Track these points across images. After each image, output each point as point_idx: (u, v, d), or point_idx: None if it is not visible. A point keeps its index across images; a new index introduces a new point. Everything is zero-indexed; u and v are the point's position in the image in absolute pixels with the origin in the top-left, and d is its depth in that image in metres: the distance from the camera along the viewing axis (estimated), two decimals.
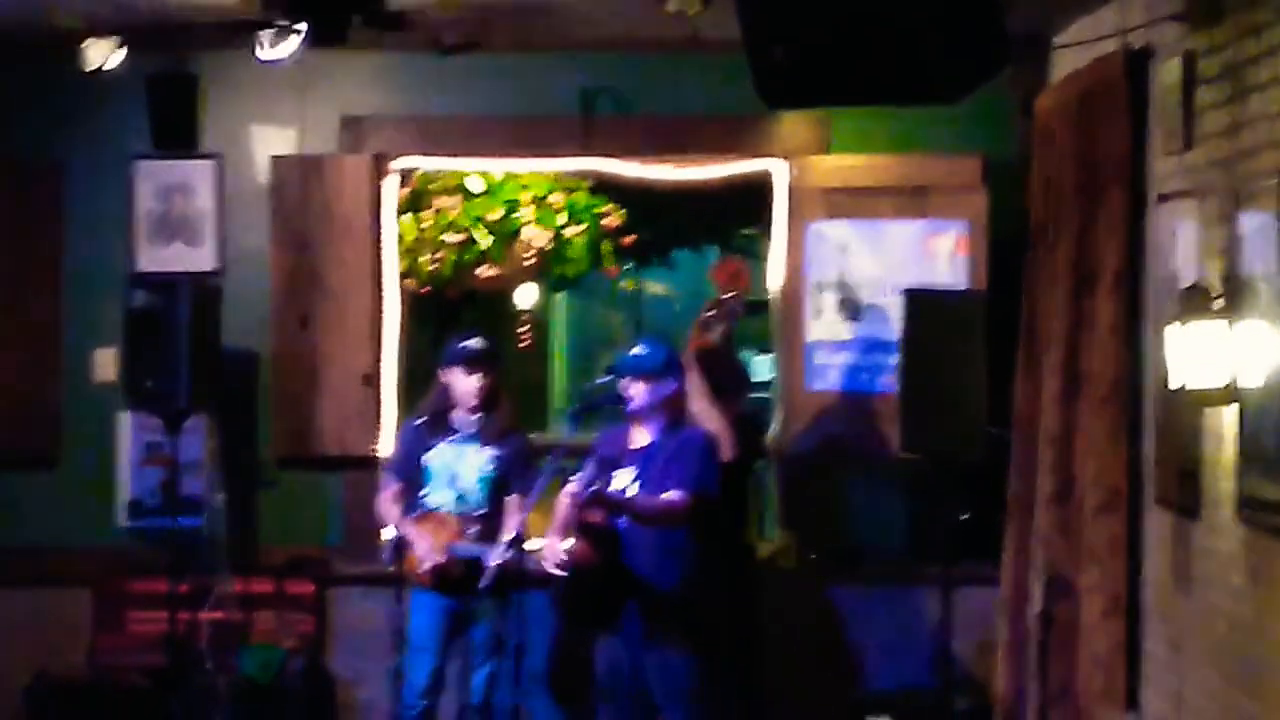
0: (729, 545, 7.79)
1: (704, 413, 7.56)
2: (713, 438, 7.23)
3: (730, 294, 8.08)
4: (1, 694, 8.41)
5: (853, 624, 8.50)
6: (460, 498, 7.67)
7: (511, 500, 7.64)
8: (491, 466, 7.70)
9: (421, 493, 7.73)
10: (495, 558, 7.17)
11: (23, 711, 8.33)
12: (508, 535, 7.24)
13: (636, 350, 7.14)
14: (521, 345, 14.84)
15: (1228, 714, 5.76)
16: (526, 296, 14.41)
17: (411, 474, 7.75)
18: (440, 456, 7.71)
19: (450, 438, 7.72)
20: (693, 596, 7.00)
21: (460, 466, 7.69)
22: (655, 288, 18.60)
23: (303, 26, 7.40)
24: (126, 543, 8.66)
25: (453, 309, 12.07)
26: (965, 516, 7.60)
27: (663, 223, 14.06)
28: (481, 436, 7.71)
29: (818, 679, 8.35)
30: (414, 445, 7.77)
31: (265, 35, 7.68)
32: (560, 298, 18.59)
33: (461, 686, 7.83)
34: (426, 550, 7.57)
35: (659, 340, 7.32)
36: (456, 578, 7.52)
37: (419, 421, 7.81)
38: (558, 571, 6.99)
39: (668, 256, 16.38)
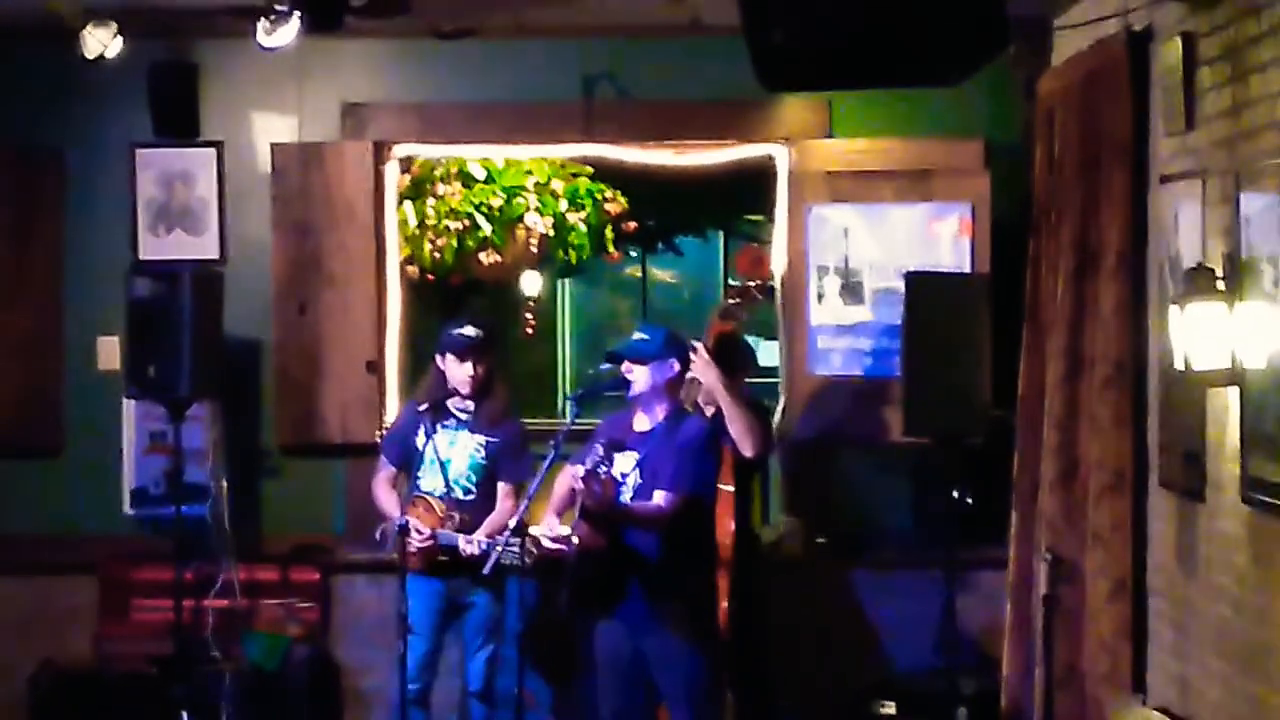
0: (739, 534, 7.78)
1: (728, 409, 7.54)
2: (713, 433, 7.20)
3: (754, 281, 8.08)
4: (7, 682, 8.42)
5: (859, 608, 8.49)
6: (450, 483, 7.67)
7: (502, 487, 7.65)
8: (483, 453, 7.71)
9: (417, 476, 7.73)
10: (470, 548, 7.23)
11: (28, 700, 8.35)
12: (510, 522, 7.23)
13: (636, 335, 7.13)
14: (527, 331, 14.88)
15: (1233, 696, 5.75)
16: (531, 283, 14.43)
17: (405, 457, 7.75)
18: (434, 442, 7.70)
19: (445, 423, 7.72)
20: (696, 579, 6.98)
21: (452, 452, 7.70)
22: (662, 274, 18.64)
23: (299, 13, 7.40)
24: (131, 531, 8.67)
25: (457, 295, 12.09)
26: (965, 498, 7.56)
27: (668, 210, 14.09)
28: (474, 423, 7.72)
29: (824, 664, 8.34)
30: (410, 428, 7.76)
31: (264, 22, 7.68)
32: (566, 284, 18.64)
33: (461, 673, 7.84)
34: (412, 530, 7.58)
35: (657, 325, 7.30)
36: (440, 562, 7.51)
37: (425, 407, 7.80)
38: (554, 545, 6.98)
39: (674, 243, 16.43)
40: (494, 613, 7.68)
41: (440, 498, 7.66)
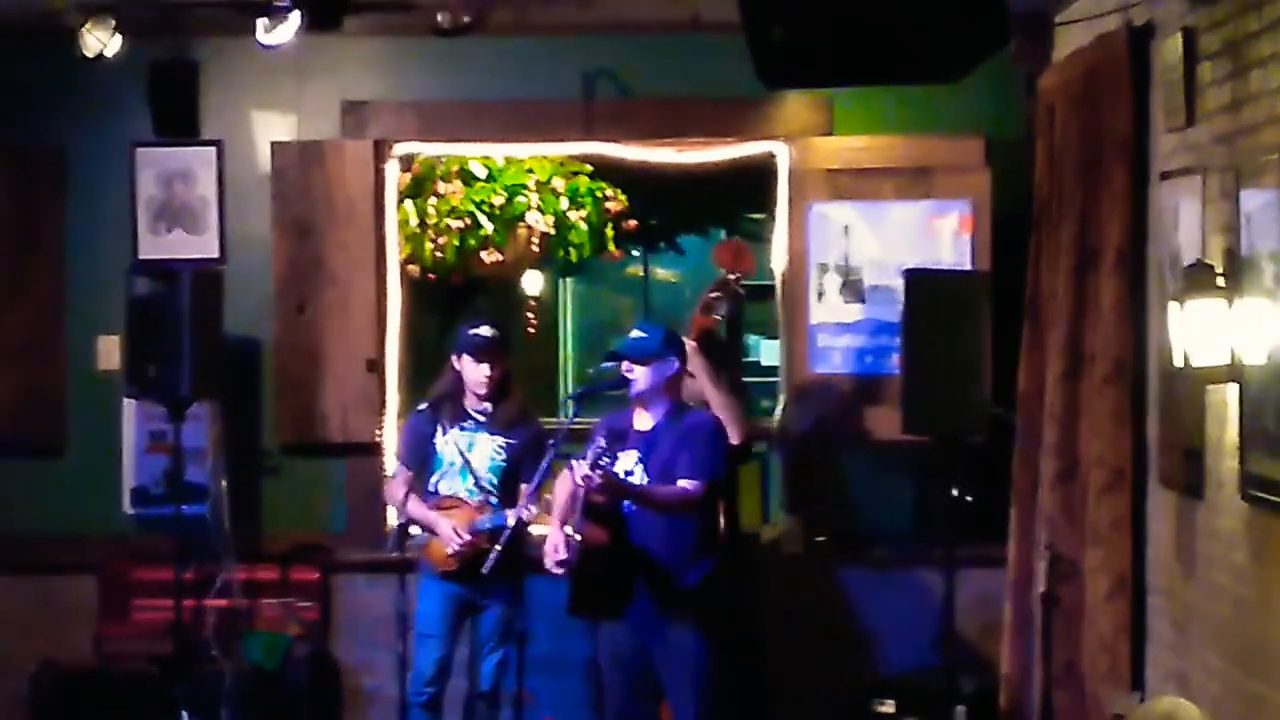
0: (730, 530, 7.77)
1: (714, 398, 7.56)
2: (720, 422, 7.20)
3: (734, 275, 8.05)
4: (8, 682, 8.43)
5: (858, 607, 8.48)
6: (473, 485, 7.64)
7: (524, 488, 7.62)
8: (503, 455, 7.67)
9: (433, 479, 7.70)
10: (514, 518, 7.17)
11: (29, 699, 8.35)
12: (511, 520, 7.22)
13: (635, 334, 7.12)
14: (528, 330, 14.85)
15: (1232, 694, 5.74)
16: (533, 282, 14.41)
17: (421, 461, 7.72)
18: (452, 443, 7.67)
19: (463, 424, 7.70)
20: (701, 575, 6.97)
21: (472, 454, 7.66)
22: (664, 273, 18.61)
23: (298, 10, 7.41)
24: (131, 530, 8.67)
25: (459, 294, 12.08)
26: (965, 496, 7.55)
27: (670, 208, 14.06)
28: (493, 424, 7.69)
29: (823, 662, 8.33)
30: (423, 432, 7.73)
31: (263, 20, 7.68)
32: (568, 283, 18.62)
33: (469, 673, 7.82)
34: (449, 531, 7.54)
35: (657, 323, 7.28)
36: (483, 553, 7.42)
37: (425, 407, 7.78)
38: (558, 570, 6.95)
39: (675, 242, 16.40)
40: (508, 615, 7.64)
41: (466, 498, 7.63)
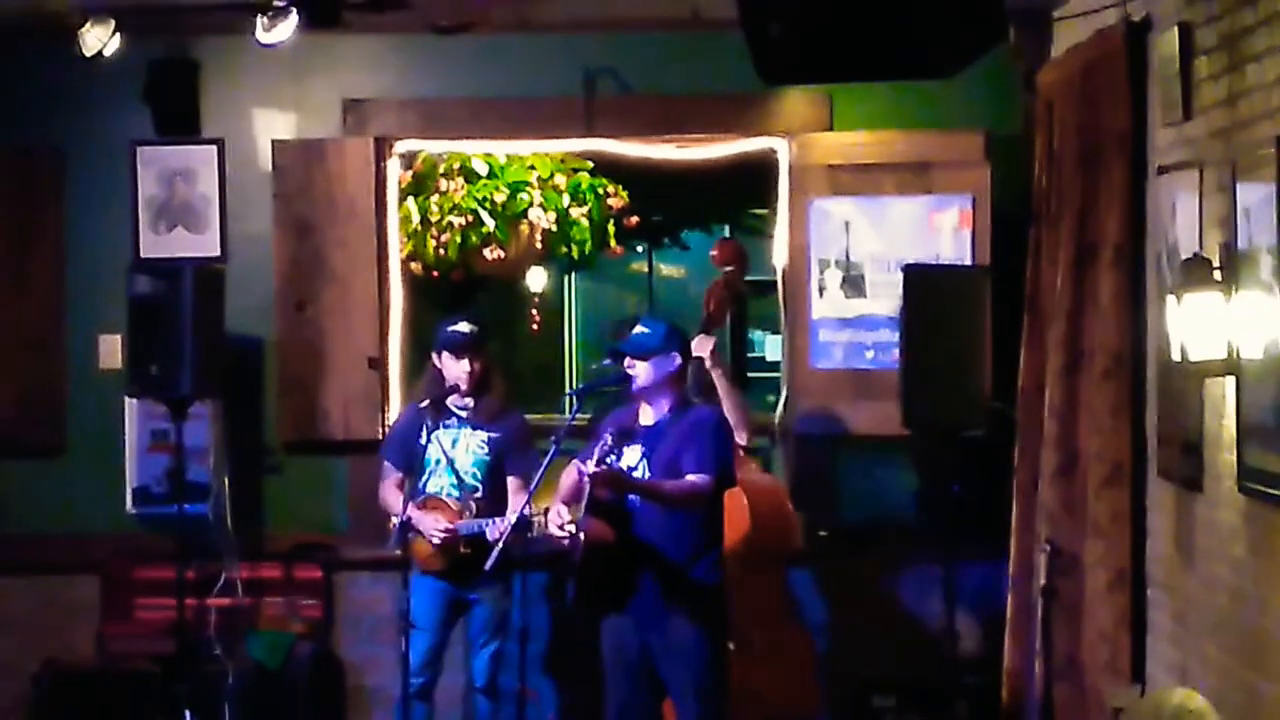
0: None
1: (726, 396, 7.59)
2: (724, 416, 7.20)
3: (729, 270, 8.08)
4: (10, 682, 8.44)
5: (858, 601, 8.48)
6: (457, 482, 7.66)
7: (512, 482, 7.64)
8: (486, 449, 7.70)
9: (421, 478, 7.71)
10: (497, 532, 7.20)
11: (31, 699, 8.35)
12: (511, 517, 7.22)
13: (638, 330, 7.10)
14: (533, 327, 14.87)
15: (1230, 686, 5.74)
16: (537, 279, 14.42)
17: (409, 459, 7.71)
18: (436, 441, 7.68)
19: (445, 422, 7.71)
20: (705, 570, 6.96)
21: (456, 450, 7.68)
22: (668, 269, 18.65)
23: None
24: (133, 530, 8.66)
25: (461, 292, 12.09)
26: (965, 491, 7.56)
27: (672, 204, 14.09)
28: (475, 419, 7.71)
29: (824, 658, 8.32)
30: (411, 430, 7.74)
31: (262, 18, 7.70)
32: (573, 280, 18.65)
33: (466, 669, 7.84)
34: (431, 527, 7.56)
35: (658, 319, 7.24)
36: (462, 557, 7.50)
37: (426, 404, 7.78)
38: (559, 533, 6.91)
39: (679, 238, 16.43)
40: (500, 609, 7.68)
41: (451, 496, 7.65)
